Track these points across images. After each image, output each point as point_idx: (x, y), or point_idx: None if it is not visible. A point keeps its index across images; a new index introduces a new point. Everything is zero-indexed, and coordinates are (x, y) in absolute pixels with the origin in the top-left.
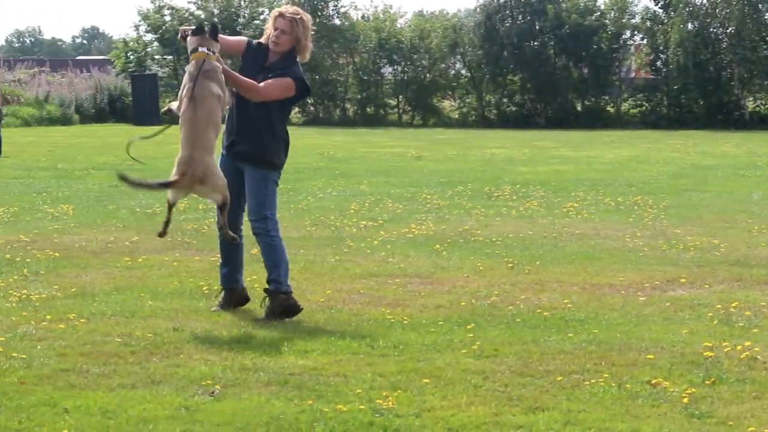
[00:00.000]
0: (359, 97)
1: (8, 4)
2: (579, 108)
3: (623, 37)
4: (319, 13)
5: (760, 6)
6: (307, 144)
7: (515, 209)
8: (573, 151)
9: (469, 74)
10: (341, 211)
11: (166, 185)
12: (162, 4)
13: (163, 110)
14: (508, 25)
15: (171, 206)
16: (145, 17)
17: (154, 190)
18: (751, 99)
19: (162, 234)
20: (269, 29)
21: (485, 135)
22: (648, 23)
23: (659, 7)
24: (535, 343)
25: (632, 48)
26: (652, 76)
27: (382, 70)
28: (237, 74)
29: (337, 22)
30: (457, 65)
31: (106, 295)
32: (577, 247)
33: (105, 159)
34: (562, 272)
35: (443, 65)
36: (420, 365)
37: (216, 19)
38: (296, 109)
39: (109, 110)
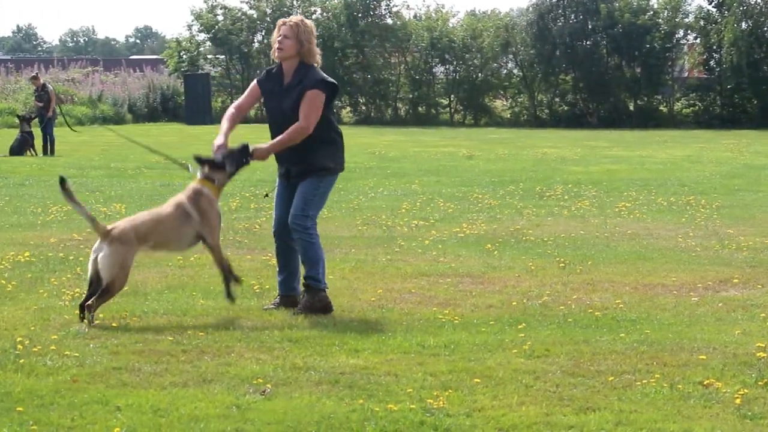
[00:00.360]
0: (411, 96)
1: (64, 4)
2: (631, 107)
3: (676, 36)
4: (372, 13)
5: None
6: (358, 143)
7: (567, 209)
8: (625, 151)
9: (521, 74)
10: (392, 211)
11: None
12: (215, 3)
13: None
14: (560, 24)
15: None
16: (198, 17)
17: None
18: None
19: None
20: (274, 41)
21: (537, 134)
22: (701, 22)
23: (713, 6)
24: (586, 343)
25: (685, 47)
26: (705, 76)
27: (433, 70)
28: (275, 141)
29: (389, 21)
30: (509, 64)
31: (158, 294)
32: (629, 246)
33: (157, 158)
34: (614, 272)
35: (495, 64)
36: (471, 365)
37: (269, 18)
38: (348, 109)
39: (161, 109)
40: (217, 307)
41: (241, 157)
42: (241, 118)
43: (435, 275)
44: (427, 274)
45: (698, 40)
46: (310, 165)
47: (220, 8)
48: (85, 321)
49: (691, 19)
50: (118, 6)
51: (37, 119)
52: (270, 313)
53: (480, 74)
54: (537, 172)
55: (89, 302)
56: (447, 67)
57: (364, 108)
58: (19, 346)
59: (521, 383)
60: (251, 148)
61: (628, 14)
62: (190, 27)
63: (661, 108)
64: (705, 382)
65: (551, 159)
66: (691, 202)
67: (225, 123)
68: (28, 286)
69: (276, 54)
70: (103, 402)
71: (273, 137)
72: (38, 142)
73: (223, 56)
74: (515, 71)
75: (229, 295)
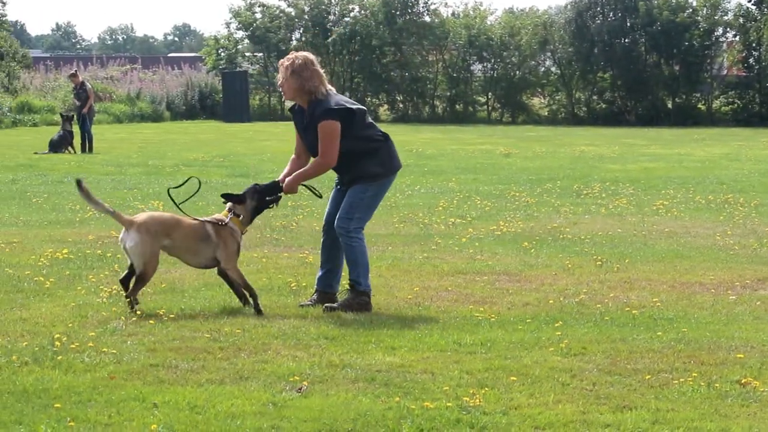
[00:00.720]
0: (448, 94)
1: (103, 2)
2: (669, 105)
3: (715, 33)
4: (410, 10)
5: None
6: (396, 141)
7: (604, 207)
8: (663, 149)
9: (559, 71)
10: (429, 208)
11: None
12: (253, 1)
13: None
14: (598, 22)
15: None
16: (236, 14)
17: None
18: None
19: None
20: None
21: (575, 132)
22: (740, 20)
23: (752, 4)
24: (623, 342)
25: (724, 45)
26: (744, 74)
27: (471, 67)
28: (299, 173)
29: (427, 19)
30: (547, 62)
31: (195, 291)
32: (666, 245)
33: (195, 155)
34: (652, 270)
35: (533, 62)
36: (507, 363)
37: (306, 16)
38: (385, 106)
39: (199, 107)
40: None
41: (266, 193)
42: (305, 161)
43: (472, 273)
44: (464, 272)
45: (737, 38)
46: (359, 176)
47: (259, 6)
48: (132, 307)
49: (730, 16)
50: (157, 4)
51: (75, 117)
52: (306, 310)
53: (518, 72)
54: (574, 170)
55: (130, 293)
56: (485, 64)
57: (401, 106)
58: (57, 343)
59: (558, 381)
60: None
61: (667, 12)
62: (228, 25)
63: (700, 106)
64: (742, 381)
65: (589, 157)
66: (730, 200)
67: (287, 166)
68: (66, 283)
69: (285, 98)
70: (140, 399)
71: None
72: (77, 140)
73: (260, 54)
74: (553, 69)
75: (259, 311)
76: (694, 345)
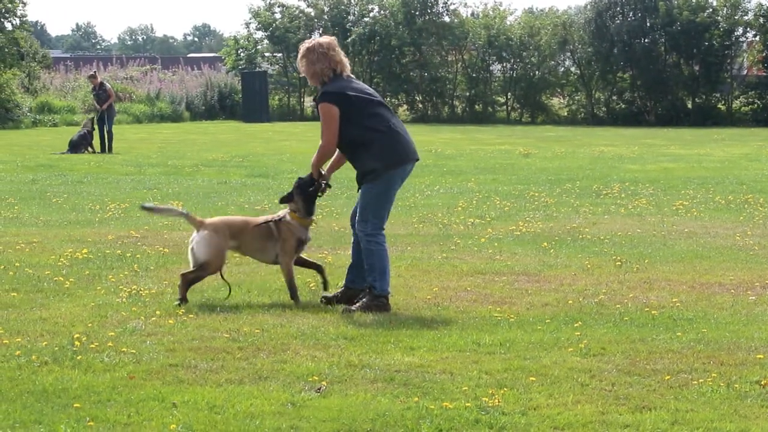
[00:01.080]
0: (468, 94)
1: (123, 2)
2: (689, 105)
3: (735, 33)
4: (429, 11)
5: None
6: (415, 141)
7: (624, 207)
8: (683, 149)
9: (578, 71)
10: (449, 209)
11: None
12: (273, 1)
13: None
14: (618, 22)
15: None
16: (255, 15)
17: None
18: None
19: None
20: None
21: (594, 132)
22: (761, 20)
23: None
24: (642, 342)
25: (744, 45)
26: (764, 74)
27: (491, 68)
28: (313, 160)
29: (446, 19)
30: (567, 62)
31: (214, 291)
32: (686, 245)
33: (214, 156)
34: (671, 271)
35: (552, 62)
36: (526, 363)
37: (326, 16)
38: (404, 106)
39: (219, 107)
40: (273, 304)
41: (306, 185)
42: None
43: (491, 273)
44: (483, 272)
45: (758, 38)
46: (359, 171)
47: (278, 6)
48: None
49: (750, 16)
50: (177, 4)
51: (95, 118)
52: (325, 310)
53: (537, 72)
54: (594, 170)
55: (186, 272)
56: (504, 64)
57: (420, 106)
58: (77, 343)
59: (577, 382)
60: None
61: (687, 12)
62: (248, 25)
63: (720, 106)
64: (762, 382)
65: (608, 157)
66: (750, 200)
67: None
68: (86, 283)
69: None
70: (159, 399)
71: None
72: (96, 140)
73: (280, 54)
74: (573, 69)
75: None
76: (714, 345)
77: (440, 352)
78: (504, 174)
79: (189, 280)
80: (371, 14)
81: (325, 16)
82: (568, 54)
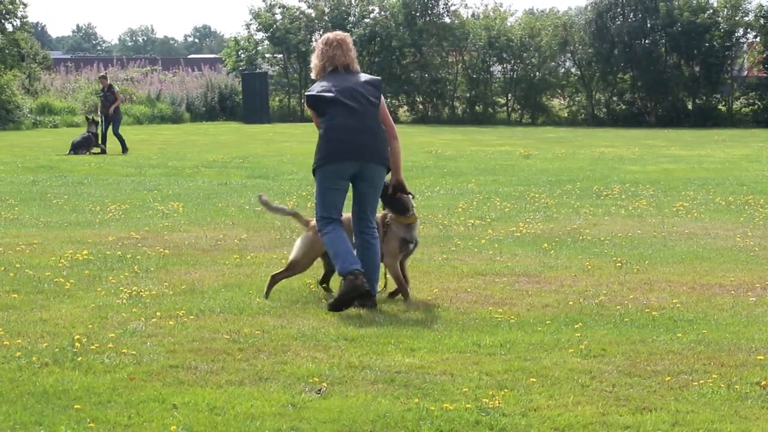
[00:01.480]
0: (468, 95)
1: (123, 3)
2: (690, 106)
3: (736, 34)
4: (429, 12)
5: None
6: (415, 142)
7: (624, 208)
8: (683, 150)
9: (579, 72)
10: (449, 210)
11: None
12: (273, 2)
13: None
14: (619, 23)
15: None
16: (256, 16)
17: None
18: None
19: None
20: None
21: (594, 133)
22: (761, 21)
23: None
24: (643, 343)
25: (745, 46)
26: (765, 75)
27: (491, 69)
28: None
29: (447, 20)
30: (567, 63)
31: (214, 292)
32: (686, 246)
33: (215, 157)
34: (672, 272)
35: (553, 63)
36: (527, 364)
37: (326, 17)
38: (405, 107)
39: (219, 108)
40: (274, 305)
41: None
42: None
43: (491, 274)
44: (483, 273)
45: (758, 39)
46: None
47: (279, 7)
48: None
49: (751, 17)
50: (177, 5)
51: (101, 120)
52: (326, 311)
53: (538, 73)
54: (594, 171)
55: (277, 274)
56: (504, 66)
57: (421, 107)
58: (77, 344)
59: (577, 383)
60: None
61: (688, 13)
62: (248, 26)
63: (720, 107)
64: (763, 383)
65: (609, 158)
66: (750, 201)
67: None
68: (86, 284)
69: None
70: (159, 400)
71: None
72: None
73: (280, 55)
74: (573, 70)
75: (391, 295)
76: (714, 347)
77: (441, 353)
78: (504, 175)
79: (277, 279)
80: (372, 15)
81: (326, 17)
82: (569, 55)
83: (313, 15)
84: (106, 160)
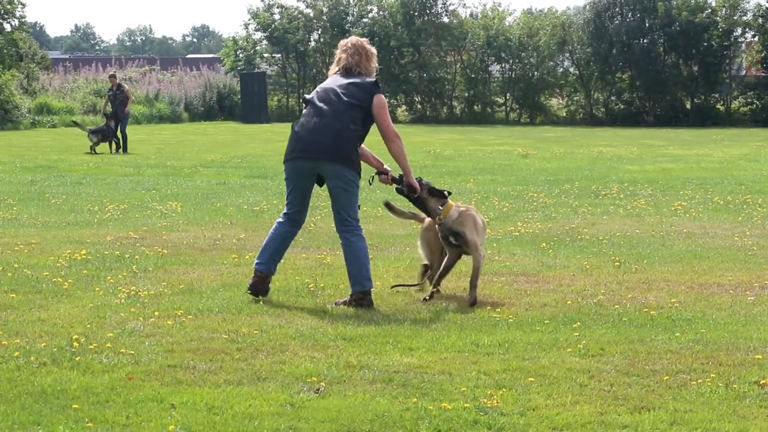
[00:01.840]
0: (466, 94)
1: (122, 3)
2: (688, 106)
3: (734, 34)
4: (428, 11)
5: None
6: (414, 142)
7: (623, 208)
8: (682, 150)
9: (577, 72)
10: None
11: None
12: (272, 2)
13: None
14: (617, 22)
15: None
16: (254, 15)
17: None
18: None
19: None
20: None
21: (593, 133)
22: (760, 20)
23: None
24: (641, 343)
25: (743, 45)
26: (763, 74)
27: (489, 68)
28: None
29: (445, 19)
30: (566, 63)
31: (213, 292)
32: (685, 246)
33: (213, 156)
34: (670, 271)
35: (551, 63)
36: (525, 364)
37: (325, 17)
38: (403, 107)
39: (217, 108)
40: (272, 305)
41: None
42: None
43: (490, 274)
44: (482, 272)
45: (756, 38)
46: None
47: (277, 7)
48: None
49: (749, 17)
50: (176, 5)
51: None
52: (324, 311)
53: (536, 72)
54: (593, 170)
55: (434, 282)
56: (503, 65)
57: (419, 107)
58: (75, 344)
59: (575, 382)
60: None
61: (686, 12)
62: (246, 26)
63: (718, 106)
64: (761, 382)
65: (607, 158)
66: (748, 200)
67: None
68: (85, 283)
69: None
70: (157, 400)
71: None
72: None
73: (279, 55)
74: (571, 69)
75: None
76: (713, 346)
77: (439, 352)
78: (503, 175)
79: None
80: (370, 15)
81: (324, 17)
82: (567, 54)
83: (311, 15)
84: (104, 160)
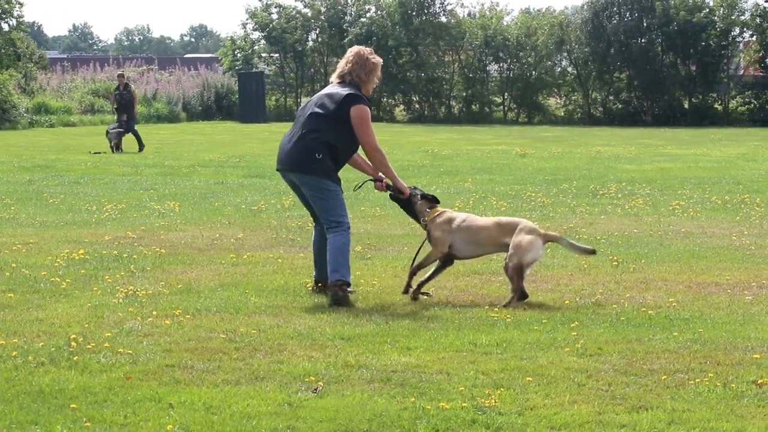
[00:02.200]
0: (464, 94)
1: (120, 3)
2: (686, 105)
3: (732, 34)
4: (426, 11)
5: None
6: (412, 141)
7: (620, 207)
8: (679, 149)
9: (575, 72)
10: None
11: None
12: (269, 2)
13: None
14: (615, 22)
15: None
16: (252, 15)
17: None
18: None
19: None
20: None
21: (591, 132)
22: (758, 20)
23: None
24: (639, 342)
25: (741, 45)
26: (761, 74)
27: (487, 68)
28: None
29: (443, 19)
30: (564, 63)
31: (211, 292)
32: (682, 245)
33: (211, 156)
34: (668, 270)
35: (549, 63)
36: (523, 363)
37: (323, 17)
38: (401, 107)
39: (215, 108)
40: (270, 305)
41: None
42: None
43: (487, 273)
44: (480, 272)
45: (754, 38)
46: None
47: (275, 7)
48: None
49: (747, 16)
50: (173, 5)
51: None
52: (322, 310)
53: (534, 72)
54: (591, 170)
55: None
56: (501, 65)
57: (417, 106)
58: (73, 344)
59: (573, 382)
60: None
61: (684, 12)
62: (244, 25)
63: (716, 106)
64: (759, 382)
65: (605, 157)
66: (746, 200)
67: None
68: (83, 283)
69: None
70: (155, 399)
71: None
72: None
73: (277, 55)
74: (569, 69)
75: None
76: (710, 345)
77: (437, 352)
78: (501, 174)
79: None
80: (368, 14)
81: (322, 17)
82: (565, 54)
83: (309, 14)
84: (102, 160)
